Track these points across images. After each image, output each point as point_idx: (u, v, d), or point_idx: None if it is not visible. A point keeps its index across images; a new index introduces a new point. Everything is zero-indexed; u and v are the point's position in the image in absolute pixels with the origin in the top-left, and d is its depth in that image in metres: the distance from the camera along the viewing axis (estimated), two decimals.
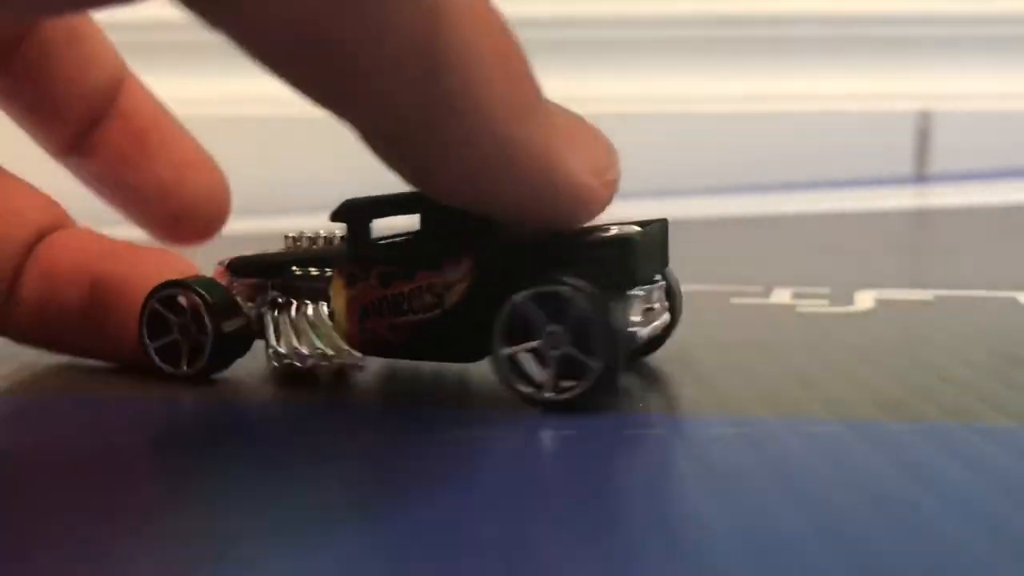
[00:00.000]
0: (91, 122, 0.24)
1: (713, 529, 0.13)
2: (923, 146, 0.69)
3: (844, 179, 0.66)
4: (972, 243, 0.46)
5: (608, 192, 0.18)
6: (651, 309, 0.19)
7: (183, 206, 0.24)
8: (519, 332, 0.18)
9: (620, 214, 0.19)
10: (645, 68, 0.69)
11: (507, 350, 0.18)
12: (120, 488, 0.15)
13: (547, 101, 0.17)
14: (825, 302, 0.29)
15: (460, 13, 0.15)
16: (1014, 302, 0.29)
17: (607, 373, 0.17)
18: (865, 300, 0.29)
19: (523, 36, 0.16)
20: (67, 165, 0.25)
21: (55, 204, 0.23)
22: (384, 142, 0.16)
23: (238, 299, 0.21)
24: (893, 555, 0.12)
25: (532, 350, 0.18)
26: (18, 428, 0.19)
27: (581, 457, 0.16)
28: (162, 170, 0.24)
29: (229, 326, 0.21)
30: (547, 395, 0.18)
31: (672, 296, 0.21)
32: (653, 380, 0.20)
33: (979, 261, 0.40)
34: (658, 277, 0.20)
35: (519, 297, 0.18)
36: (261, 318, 0.21)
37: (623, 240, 0.18)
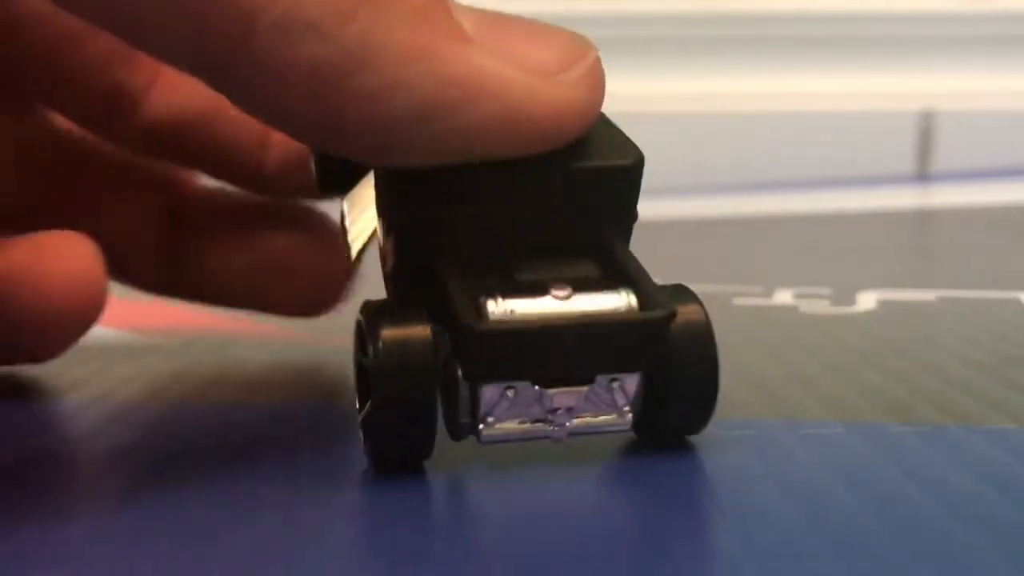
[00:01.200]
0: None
1: (713, 532, 0.13)
2: (926, 145, 0.69)
3: (846, 178, 0.66)
4: (975, 243, 0.46)
5: (576, 91, 0.15)
6: None
7: None
8: None
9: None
10: (645, 68, 0.69)
11: None
12: None
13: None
14: (827, 303, 0.29)
15: None
16: (1018, 303, 0.28)
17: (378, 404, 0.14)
18: (867, 301, 0.29)
19: None
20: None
21: None
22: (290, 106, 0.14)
23: None
24: (895, 558, 0.12)
25: None
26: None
27: (579, 460, 0.16)
28: None
29: None
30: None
31: None
32: None
33: (983, 261, 0.40)
34: None
35: None
36: None
37: None
